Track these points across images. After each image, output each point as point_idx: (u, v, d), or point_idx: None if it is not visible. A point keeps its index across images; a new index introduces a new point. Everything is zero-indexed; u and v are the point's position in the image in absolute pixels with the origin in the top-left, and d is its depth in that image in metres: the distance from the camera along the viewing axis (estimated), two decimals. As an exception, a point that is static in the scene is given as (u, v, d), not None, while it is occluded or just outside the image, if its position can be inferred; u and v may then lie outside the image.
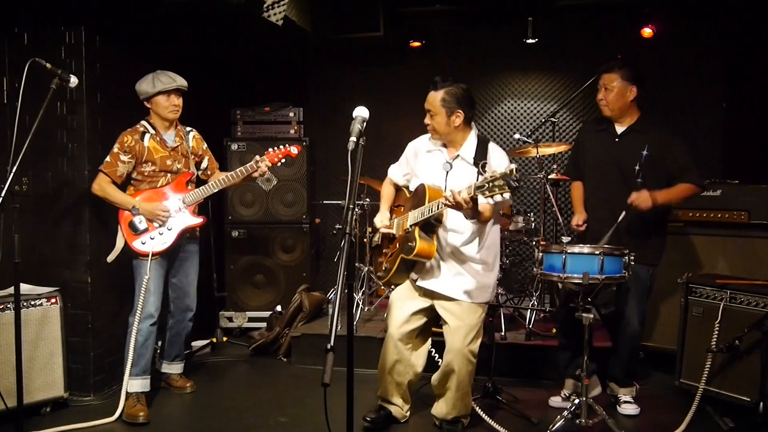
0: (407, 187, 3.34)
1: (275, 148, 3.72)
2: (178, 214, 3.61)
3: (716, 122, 5.17)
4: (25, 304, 3.39)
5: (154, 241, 3.54)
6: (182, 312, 3.83)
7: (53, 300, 3.55)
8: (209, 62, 5.19)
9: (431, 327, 3.33)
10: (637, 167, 3.40)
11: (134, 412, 3.42)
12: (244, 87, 5.73)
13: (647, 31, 5.00)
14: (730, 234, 4.03)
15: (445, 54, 5.68)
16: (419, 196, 3.05)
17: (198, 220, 3.69)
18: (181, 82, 3.61)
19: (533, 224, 4.67)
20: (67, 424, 3.32)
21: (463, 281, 3.09)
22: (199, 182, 3.82)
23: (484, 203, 2.84)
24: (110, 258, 3.58)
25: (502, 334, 4.17)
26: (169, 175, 3.65)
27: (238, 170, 3.65)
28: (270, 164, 3.65)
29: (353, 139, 2.39)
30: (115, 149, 3.52)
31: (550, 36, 5.35)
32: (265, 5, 4.23)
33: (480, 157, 3.02)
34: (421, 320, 3.22)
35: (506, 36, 5.50)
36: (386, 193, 3.44)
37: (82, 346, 3.71)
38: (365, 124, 2.51)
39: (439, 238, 3.05)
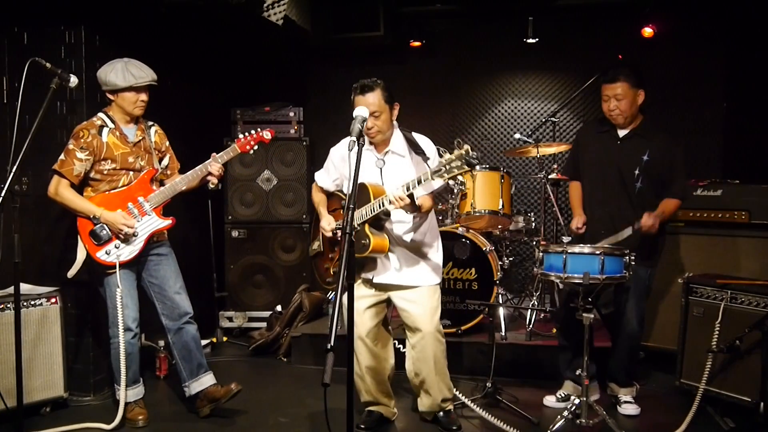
0: (340, 191, 3.32)
1: (246, 134, 3.44)
2: (144, 217, 3.31)
3: (716, 122, 5.17)
4: (25, 304, 3.39)
5: (120, 250, 3.25)
6: (177, 320, 3.45)
7: (53, 300, 3.55)
8: (209, 62, 5.19)
9: (388, 319, 3.39)
10: (636, 172, 3.39)
11: (133, 416, 3.39)
12: (244, 87, 5.73)
13: (648, 31, 4.99)
14: (731, 234, 4.03)
15: (445, 54, 5.68)
16: (361, 194, 3.02)
17: (166, 223, 3.37)
18: (153, 76, 3.31)
19: (533, 224, 4.67)
20: (67, 424, 3.32)
21: (417, 268, 3.16)
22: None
23: (423, 196, 2.98)
24: (71, 273, 3.31)
25: (502, 334, 4.16)
26: (131, 173, 3.34)
27: (194, 170, 3.35)
28: (240, 153, 3.40)
29: (353, 138, 2.40)
30: (71, 146, 3.21)
31: (551, 36, 5.35)
32: (265, 5, 4.23)
33: (414, 148, 3.07)
34: (382, 313, 3.27)
35: (506, 36, 5.49)
36: (319, 199, 3.37)
37: (82, 346, 3.71)
38: (365, 124, 2.52)
39: (386, 231, 3.08)
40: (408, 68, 5.67)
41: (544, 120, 5.16)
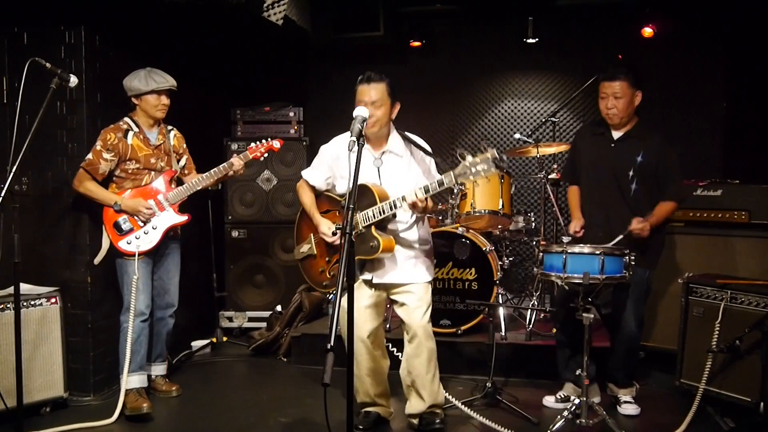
0: (330, 192, 3.29)
1: (257, 142, 3.76)
2: (162, 212, 3.60)
3: (716, 122, 5.17)
4: (25, 304, 3.39)
5: (140, 241, 3.54)
6: (163, 309, 3.79)
7: (53, 300, 3.55)
8: (209, 62, 5.19)
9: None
10: (630, 173, 3.39)
11: (137, 404, 3.45)
12: (244, 87, 5.73)
13: (648, 31, 5.00)
14: (731, 234, 4.03)
15: (445, 54, 5.68)
16: (363, 196, 3.01)
17: (182, 218, 3.67)
18: (173, 82, 3.61)
19: (533, 224, 4.67)
20: (67, 424, 3.32)
21: (417, 264, 3.18)
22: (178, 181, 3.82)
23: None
24: (97, 260, 3.61)
25: (502, 334, 4.16)
26: (152, 173, 3.64)
27: (215, 169, 3.65)
28: (251, 159, 3.72)
29: (353, 139, 2.39)
30: (98, 146, 3.49)
31: (551, 35, 5.35)
32: (265, 5, 4.23)
33: (415, 146, 3.11)
34: (381, 316, 3.28)
35: (506, 36, 5.50)
36: (310, 200, 3.30)
37: (82, 346, 3.71)
38: (365, 124, 2.52)
39: (389, 231, 3.09)
40: (408, 68, 5.67)
41: (544, 120, 5.16)
